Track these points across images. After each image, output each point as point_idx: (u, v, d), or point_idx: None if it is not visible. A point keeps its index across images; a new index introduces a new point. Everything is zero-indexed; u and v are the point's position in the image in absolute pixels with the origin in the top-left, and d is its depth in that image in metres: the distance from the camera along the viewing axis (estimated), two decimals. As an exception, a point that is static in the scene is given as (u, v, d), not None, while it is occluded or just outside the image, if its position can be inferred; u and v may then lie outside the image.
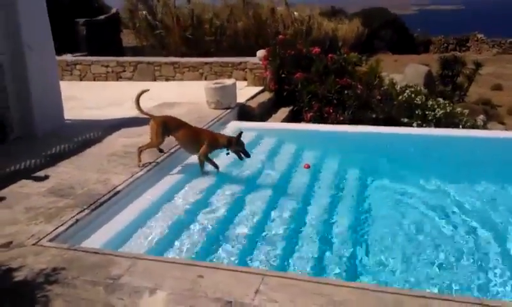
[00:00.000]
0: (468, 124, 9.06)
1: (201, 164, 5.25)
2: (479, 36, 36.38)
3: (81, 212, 4.03)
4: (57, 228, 3.75)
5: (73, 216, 3.95)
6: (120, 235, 3.91)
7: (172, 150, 5.53)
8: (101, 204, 4.22)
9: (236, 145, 5.18)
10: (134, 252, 3.57)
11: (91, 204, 4.16)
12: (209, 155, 5.27)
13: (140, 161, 5.11)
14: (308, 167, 5.95)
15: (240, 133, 5.22)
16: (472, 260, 4.06)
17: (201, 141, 5.18)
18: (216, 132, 5.50)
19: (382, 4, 42.38)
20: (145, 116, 5.22)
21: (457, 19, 68.74)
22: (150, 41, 13.67)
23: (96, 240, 3.77)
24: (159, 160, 5.28)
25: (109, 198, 4.34)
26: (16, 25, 6.03)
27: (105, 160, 5.30)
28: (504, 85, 20.38)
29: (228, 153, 5.33)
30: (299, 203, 4.96)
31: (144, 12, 13.59)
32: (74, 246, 3.52)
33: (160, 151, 5.39)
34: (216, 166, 5.25)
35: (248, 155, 5.25)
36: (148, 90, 5.28)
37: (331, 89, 8.63)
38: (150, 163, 5.18)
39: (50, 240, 3.59)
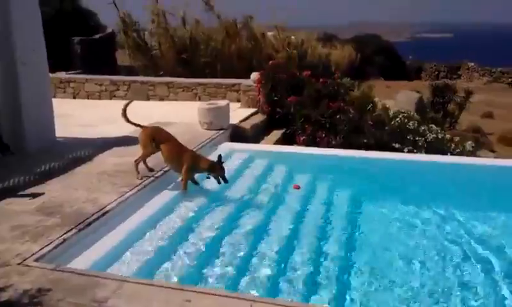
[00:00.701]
0: (457, 151, 9.12)
1: (185, 183, 5.16)
2: (470, 64, 37.12)
3: (69, 231, 3.98)
4: (43, 248, 3.68)
5: (61, 235, 3.89)
6: (108, 256, 3.85)
7: (166, 168, 5.49)
8: (89, 223, 4.17)
9: (219, 170, 5.14)
10: (121, 275, 3.51)
11: (79, 224, 4.11)
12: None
13: (138, 173, 5.20)
14: (298, 188, 5.99)
15: (220, 157, 5.17)
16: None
17: (181, 160, 5.15)
18: (200, 155, 5.45)
19: (376, 31, 43.17)
20: (134, 127, 5.28)
21: (448, 47, 70.32)
22: (142, 61, 13.76)
23: (84, 260, 3.70)
24: (150, 178, 5.26)
25: (98, 218, 4.29)
26: (9, 39, 5.99)
27: (95, 179, 5.26)
28: (495, 113, 20.65)
29: (208, 177, 5.32)
30: (288, 224, 4.95)
31: (134, 33, 13.72)
32: (60, 267, 3.45)
33: (151, 170, 5.38)
34: (185, 188, 5.16)
35: (225, 181, 5.18)
36: (132, 101, 5.45)
37: (324, 113, 8.68)
38: (148, 177, 5.25)
39: (36, 260, 3.53)
